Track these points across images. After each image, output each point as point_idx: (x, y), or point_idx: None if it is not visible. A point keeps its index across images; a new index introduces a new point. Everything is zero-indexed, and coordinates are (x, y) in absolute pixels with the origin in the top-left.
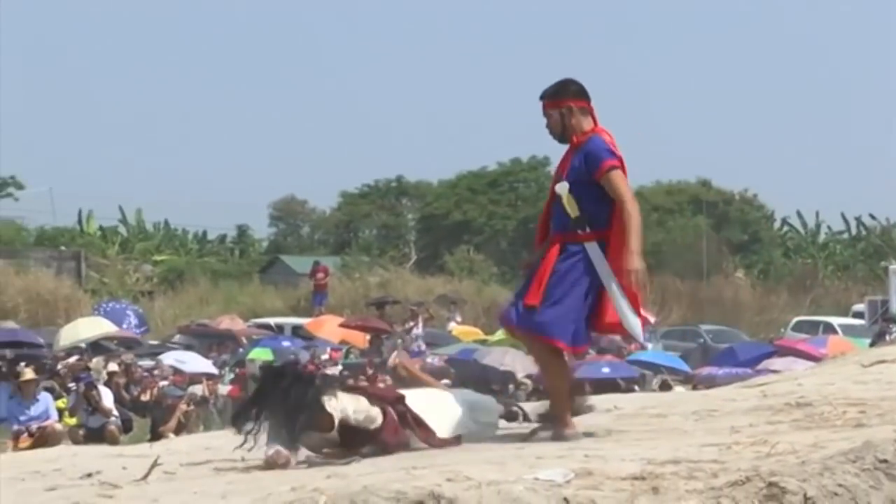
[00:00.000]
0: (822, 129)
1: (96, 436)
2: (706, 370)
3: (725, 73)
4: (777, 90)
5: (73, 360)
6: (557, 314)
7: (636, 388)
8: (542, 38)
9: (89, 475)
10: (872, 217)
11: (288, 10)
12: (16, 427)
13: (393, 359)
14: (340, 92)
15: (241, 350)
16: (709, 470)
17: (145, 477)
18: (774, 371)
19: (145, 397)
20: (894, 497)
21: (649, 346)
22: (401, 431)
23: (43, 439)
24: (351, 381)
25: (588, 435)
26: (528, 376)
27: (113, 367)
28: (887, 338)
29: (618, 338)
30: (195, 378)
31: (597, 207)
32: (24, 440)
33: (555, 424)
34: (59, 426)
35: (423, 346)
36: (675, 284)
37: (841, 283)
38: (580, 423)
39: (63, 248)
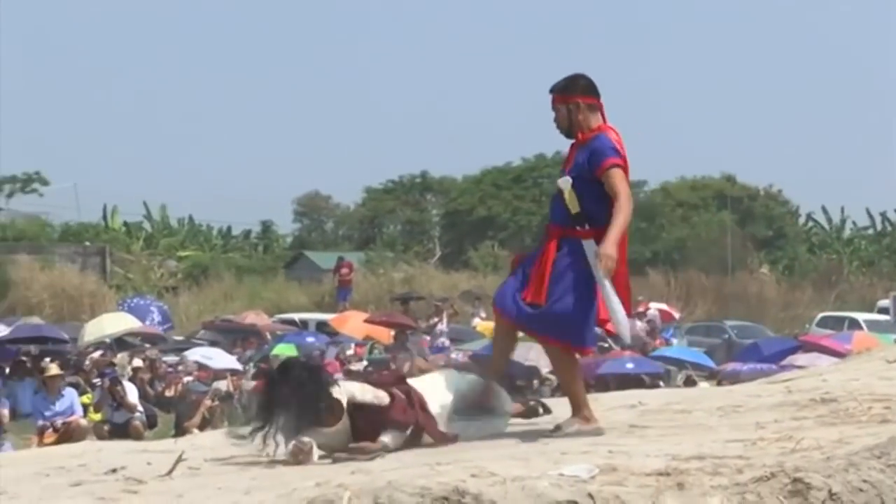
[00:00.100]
0: (847, 125)
1: (121, 431)
2: (731, 366)
3: (751, 68)
4: (802, 85)
5: (96, 354)
6: (564, 315)
7: (661, 383)
8: (566, 33)
9: (114, 470)
10: None
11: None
12: (41, 422)
13: (409, 368)
14: (365, 88)
15: (265, 346)
16: (734, 466)
17: (170, 472)
18: (799, 367)
19: (170, 393)
20: None
21: (675, 341)
22: (409, 410)
23: (68, 435)
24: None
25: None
26: (553, 371)
27: (137, 362)
28: None
29: (642, 333)
30: (219, 374)
31: (597, 206)
32: (49, 435)
33: (576, 419)
34: (83, 421)
35: (448, 342)
36: (700, 280)
37: (866, 279)
38: (604, 417)
39: (88, 243)
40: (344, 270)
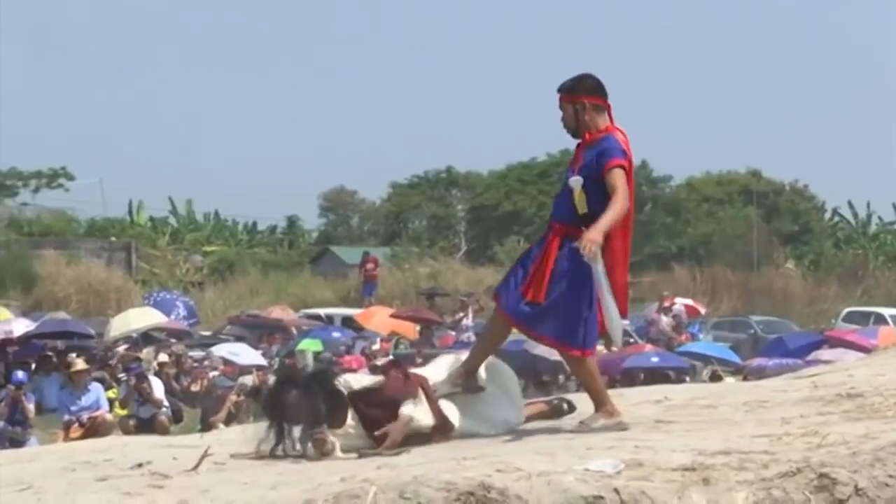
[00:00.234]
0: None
1: (147, 426)
2: (756, 361)
3: (777, 62)
4: (828, 80)
5: (122, 348)
6: (565, 317)
7: (686, 378)
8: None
9: (140, 465)
10: None
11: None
12: (67, 417)
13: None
14: (391, 83)
15: (291, 342)
16: (759, 461)
17: (196, 467)
18: (825, 362)
19: (195, 388)
20: None
21: (701, 336)
22: (408, 382)
23: (94, 429)
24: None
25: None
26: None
27: (163, 357)
28: None
29: (667, 329)
30: (245, 369)
31: (604, 207)
32: (75, 430)
33: (600, 414)
34: (109, 416)
35: (473, 337)
36: (726, 275)
37: (892, 274)
38: (629, 413)
39: (114, 238)
40: (369, 265)
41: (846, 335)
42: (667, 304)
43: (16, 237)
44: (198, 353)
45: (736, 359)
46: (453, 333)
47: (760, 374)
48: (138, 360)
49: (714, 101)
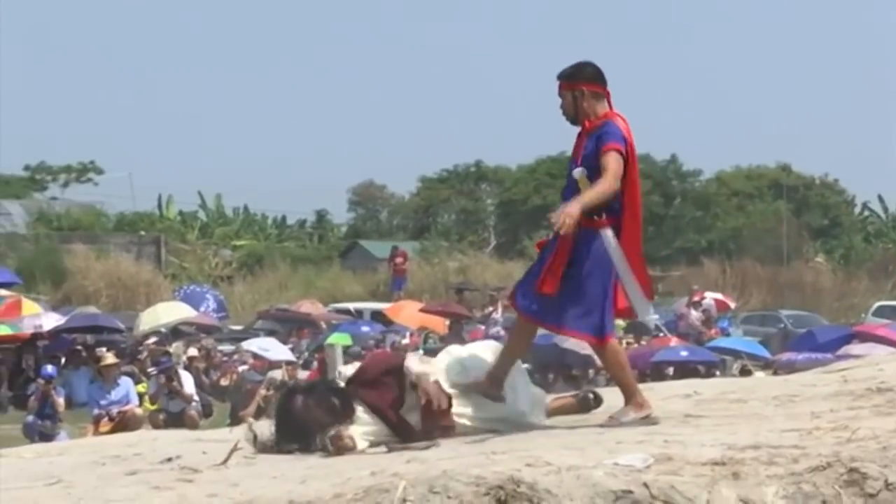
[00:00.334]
0: None
1: (176, 420)
2: (786, 355)
3: (806, 56)
4: (858, 74)
5: (151, 342)
6: (580, 305)
7: (716, 373)
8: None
9: (169, 460)
10: None
11: None
12: (96, 411)
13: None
14: (420, 77)
15: (320, 336)
16: (789, 455)
17: (225, 461)
18: (855, 356)
19: (225, 382)
20: None
21: (731, 330)
22: (390, 353)
23: (123, 424)
24: None
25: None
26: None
27: (193, 351)
28: None
29: (697, 323)
30: (274, 363)
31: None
32: (105, 424)
33: (630, 407)
34: (139, 411)
35: (502, 332)
36: (755, 269)
37: None
38: (658, 407)
39: (143, 233)
40: (398, 260)
41: (876, 329)
42: (696, 298)
43: (45, 232)
44: (227, 348)
45: (765, 353)
46: (483, 328)
47: (790, 368)
48: (168, 354)
49: (744, 96)
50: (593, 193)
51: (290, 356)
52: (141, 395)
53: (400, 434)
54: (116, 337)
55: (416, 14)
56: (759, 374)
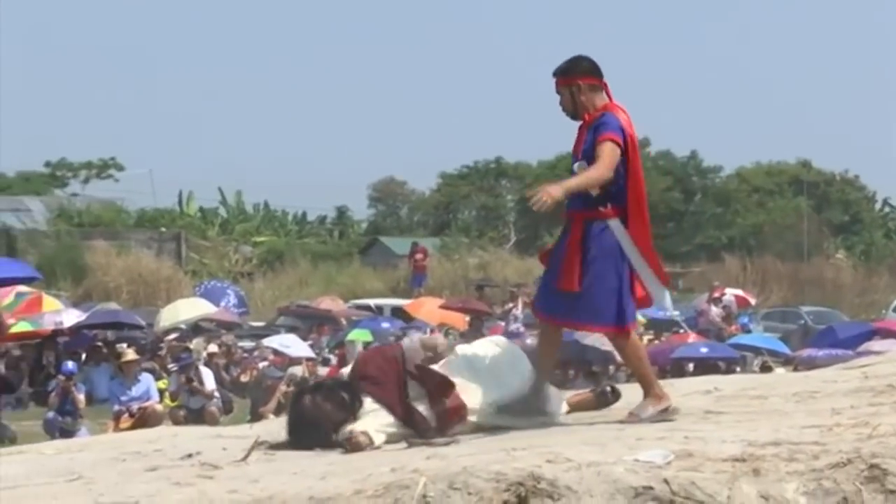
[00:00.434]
0: None
1: (197, 416)
2: (806, 352)
3: (826, 52)
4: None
5: (172, 338)
6: (600, 299)
7: (737, 369)
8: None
9: (190, 456)
10: None
11: None
12: (117, 407)
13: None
14: (440, 73)
15: (340, 332)
16: (810, 452)
17: (245, 458)
18: (876, 352)
19: (245, 378)
20: None
21: (752, 326)
22: (380, 349)
23: (143, 420)
24: None
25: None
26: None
27: (213, 348)
28: None
29: (717, 319)
30: (295, 359)
31: (616, 183)
32: (125, 420)
33: (649, 401)
34: (159, 407)
35: (522, 328)
36: (776, 265)
37: None
38: (679, 403)
39: (163, 229)
40: (419, 256)
41: None
42: (717, 294)
43: (66, 228)
44: (248, 344)
45: (786, 349)
46: (503, 324)
47: (811, 364)
48: (188, 350)
49: (764, 92)
50: (581, 178)
51: (310, 353)
52: (161, 392)
53: (412, 425)
54: (137, 333)
55: (436, 11)
56: (780, 371)
